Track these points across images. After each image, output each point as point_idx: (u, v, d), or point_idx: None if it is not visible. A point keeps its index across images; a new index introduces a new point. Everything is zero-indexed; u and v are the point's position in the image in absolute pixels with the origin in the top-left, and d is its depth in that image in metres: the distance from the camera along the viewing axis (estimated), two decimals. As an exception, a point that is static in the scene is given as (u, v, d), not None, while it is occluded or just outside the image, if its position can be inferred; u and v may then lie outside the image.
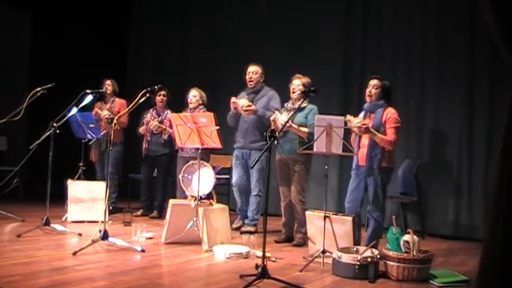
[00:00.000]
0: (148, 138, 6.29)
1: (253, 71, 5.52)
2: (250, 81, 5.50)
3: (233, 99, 5.39)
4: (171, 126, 5.47)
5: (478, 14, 5.50)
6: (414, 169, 5.79)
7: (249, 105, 5.29)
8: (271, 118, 4.87)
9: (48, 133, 4.88)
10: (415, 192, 5.69)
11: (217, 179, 4.97)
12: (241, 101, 5.33)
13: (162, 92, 6.23)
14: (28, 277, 3.29)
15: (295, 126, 4.74)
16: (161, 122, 6.24)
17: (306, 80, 4.97)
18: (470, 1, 5.72)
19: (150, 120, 6.20)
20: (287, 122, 4.32)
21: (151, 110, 6.37)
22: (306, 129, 4.75)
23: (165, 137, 6.19)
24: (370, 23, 6.52)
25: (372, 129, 4.22)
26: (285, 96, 5.12)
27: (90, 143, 6.07)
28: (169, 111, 6.20)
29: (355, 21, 6.62)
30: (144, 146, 6.33)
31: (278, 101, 5.41)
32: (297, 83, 4.94)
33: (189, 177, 4.83)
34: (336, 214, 4.26)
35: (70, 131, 5.80)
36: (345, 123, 4.18)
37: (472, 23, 5.75)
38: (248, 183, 5.51)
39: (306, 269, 3.89)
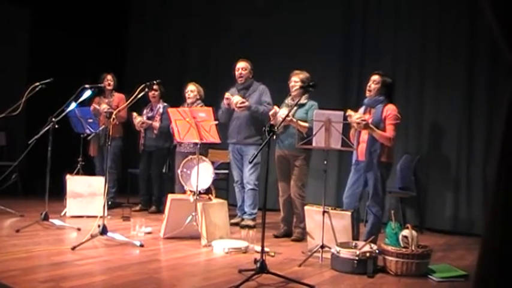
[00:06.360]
0: (143, 134, 6.28)
1: (242, 67, 5.51)
2: (240, 77, 5.50)
3: (227, 94, 5.39)
4: (169, 120, 5.41)
5: (478, 10, 5.49)
6: (413, 164, 5.80)
7: (243, 102, 5.30)
8: (271, 113, 4.86)
9: (47, 128, 4.88)
10: (414, 187, 5.70)
11: (216, 174, 4.98)
12: (235, 98, 5.33)
13: (154, 87, 5.95)
14: (27, 272, 3.29)
15: (295, 120, 4.74)
16: (152, 118, 6.22)
17: (304, 75, 4.96)
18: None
19: (135, 118, 6.18)
20: (287, 115, 4.31)
21: (149, 105, 6.37)
22: (306, 124, 4.74)
23: (156, 131, 6.17)
24: (369, 19, 6.50)
25: (371, 125, 4.22)
26: (284, 93, 5.11)
27: (89, 137, 6.06)
28: (162, 105, 6.19)
29: (354, 17, 6.60)
30: (140, 141, 6.33)
31: (269, 95, 5.44)
32: (296, 80, 4.94)
33: (188, 172, 4.82)
34: (334, 209, 4.26)
35: (69, 125, 5.80)
36: (345, 117, 4.18)
37: (472, 20, 5.73)
38: (247, 179, 5.52)
39: (304, 264, 3.89)
